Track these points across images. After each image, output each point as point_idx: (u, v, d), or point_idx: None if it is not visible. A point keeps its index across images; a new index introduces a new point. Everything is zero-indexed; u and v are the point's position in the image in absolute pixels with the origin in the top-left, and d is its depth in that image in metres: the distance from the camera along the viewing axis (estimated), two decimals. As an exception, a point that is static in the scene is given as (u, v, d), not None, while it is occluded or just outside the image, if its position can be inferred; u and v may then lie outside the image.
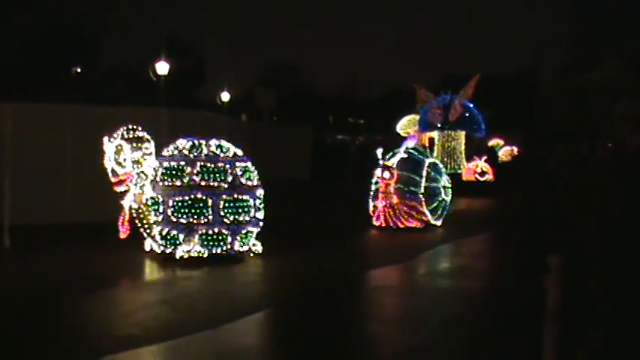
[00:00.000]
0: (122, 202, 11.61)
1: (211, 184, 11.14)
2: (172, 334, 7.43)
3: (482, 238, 16.10)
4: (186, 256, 11.08)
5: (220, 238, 11.23)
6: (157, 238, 11.23)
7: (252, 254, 11.75)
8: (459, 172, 27.14)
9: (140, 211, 11.34)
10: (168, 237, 11.15)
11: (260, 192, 11.84)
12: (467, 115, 28.27)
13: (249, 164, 11.82)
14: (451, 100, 28.25)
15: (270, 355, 7.33)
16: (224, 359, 6.92)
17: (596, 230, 4.19)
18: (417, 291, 10.49)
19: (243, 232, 11.49)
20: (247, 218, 11.49)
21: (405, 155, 16.14)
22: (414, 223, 15.94)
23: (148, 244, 11.72)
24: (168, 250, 11.20)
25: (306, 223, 17.81)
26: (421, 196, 15.78)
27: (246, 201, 11.48)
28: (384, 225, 15.94)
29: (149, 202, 11.20)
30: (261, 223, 11.89)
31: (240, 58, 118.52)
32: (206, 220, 11.08)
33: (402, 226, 15.90)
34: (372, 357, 7.20)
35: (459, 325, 8.27)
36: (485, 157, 27.12)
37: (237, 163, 11.59)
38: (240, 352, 7.16)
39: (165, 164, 11.28)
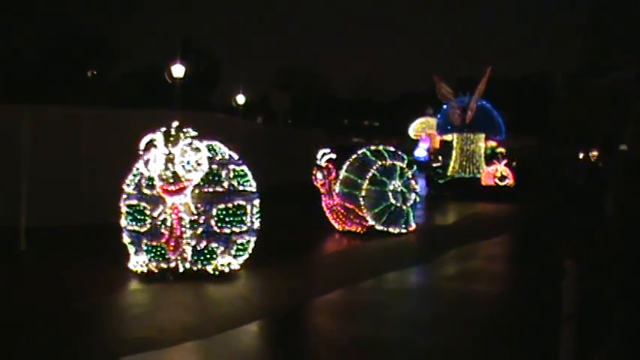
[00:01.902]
0: (158, 214, 10.04)
1: (247, 188, 10.53)
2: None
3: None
4: (227, 270, 10.22)
5: (251, 247, 10.70)
6: (188, 254, 10.04)
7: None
8: (478, 176, 26.47)
9: (184, 223, 9.96)
10: (206, 251, 10.09)
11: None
12: (486, 116, 27.42)
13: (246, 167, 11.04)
14: (469, 102, 27.31)
15: None
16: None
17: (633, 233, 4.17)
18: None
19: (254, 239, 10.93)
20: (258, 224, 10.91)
21: (354, 156, 15.77)
22: (353, 227, 15.40)
23: (139, 261, 10.37)
24: (196, 267, 10.10)
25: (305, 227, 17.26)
26: (361, 199, 15.16)
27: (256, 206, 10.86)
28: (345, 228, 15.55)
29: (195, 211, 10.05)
30: None
31: (255, 60, 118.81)
32: (245, 229, 10.38)
33: (340, 229, 15.53)
34: None
35: (472, 330, 8.24)
36: (505, 161, 26.44)
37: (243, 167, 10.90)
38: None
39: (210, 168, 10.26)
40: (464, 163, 27.10)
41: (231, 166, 10.43)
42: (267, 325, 8.39)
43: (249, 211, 10.39)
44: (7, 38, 42.73)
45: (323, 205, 15.58)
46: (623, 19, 51.74)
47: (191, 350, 7.22)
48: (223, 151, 10.69)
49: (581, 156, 38.22)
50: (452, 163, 27.40)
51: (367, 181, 15.13)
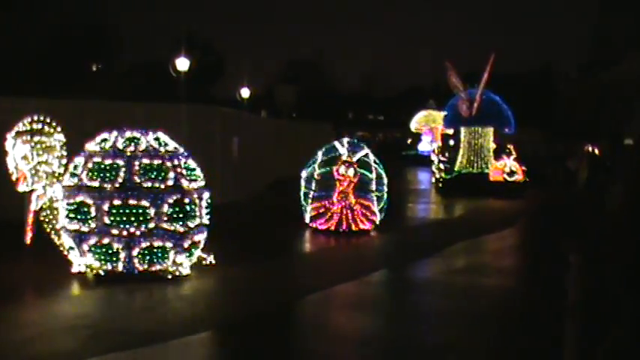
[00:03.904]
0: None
1: (95, 184, 9.41)
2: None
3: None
4: (76, 270, 9.68)
5: (111, 251, 9.39)
6: (66, 246, 9.87)
7: (169, 276, 9.68)
8: (486, 171, 25.57)
9: (45, 214, 10.04)
10: (65, 246, 9.89)
11: (176, 197, 9.55)
12: (495, 110, 26.37)
13: (166, 161, 9.68)
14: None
15: None
16: None
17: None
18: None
19: (144, 246, 9.41)
20: (144, 229, 9.38)
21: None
22: (367, 225, 14.58)
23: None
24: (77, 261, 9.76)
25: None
26: (373, 194, 14.59)
27: (143, 207, 9.35)
28: (332, 228, 14.36)
29: (54, 204, 9.93)
30: (199, 236, 10.01)
31: (260, 54, 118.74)
32: (90, 229, 9.36)
33: (355, 228, 14.41)
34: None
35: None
36: (514, 156, 25.66)
37: (141, 160, 9.57)
38: None
39: (74, 161, 9.86)
40: (472, 157, 26.27)
41: (94, 159, 9.59)
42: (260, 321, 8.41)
43: (93, 209, 9.32)
44: (12, 30, 42.74)
45: (334, 205, 14.38)
46: (629, 13, 51.71)
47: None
48: (169, 143, 10.06)
49: (585, 149, 38.01)
50: (459, 158, 26.53)
51: (376, 176, 14.67)
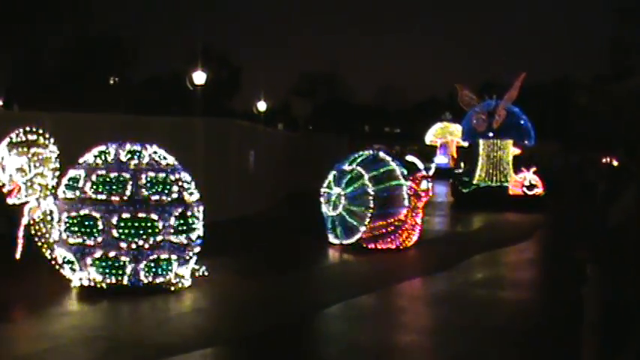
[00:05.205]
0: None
1: (103, 197, 9.37)
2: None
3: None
4: (78, 284, 9.59)
5: (117, 265, 9.36)
6: (59, 260, 9.75)
7: (172, 288, 9.72)
8: (506, 185, 25.06)
9: (37, 228, 9.75)
10: (63, 260, 9.72)
11: (180, 210, 9.62)
12: (514, 121, 25.75)
13: (169, 175, 9.77)
14: (496, 106, 25.70)
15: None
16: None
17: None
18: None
19: (151, 259, 9.44)
20: (152, 242, 9.39)
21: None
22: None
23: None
24: (70, 276, 9.71)
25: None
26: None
27: (152, 220, 9.38)
28: (393, 247, 13.97)
29: (48, 217, 9.73)
30: (194, 249, 9.99)
31: (276, 68, 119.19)
32: (96, 242, 9.31)
33: (409, 245, 14.16)
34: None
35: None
36: (534, 169, 25.19)
37: (147, 173, 9.61)
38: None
39: (70, 173, 9.81)
40: (490, 170, 25.81)
41: (98, 172, 9.55)
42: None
43: (100, 222, 9.27)
44: (33, 44, 43.14)
45: (409, 222, 13.94)
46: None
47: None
48: (168, 158, 10.07)
49: (604, 160, 37.83)
50: (478, 171, 25.96)
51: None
